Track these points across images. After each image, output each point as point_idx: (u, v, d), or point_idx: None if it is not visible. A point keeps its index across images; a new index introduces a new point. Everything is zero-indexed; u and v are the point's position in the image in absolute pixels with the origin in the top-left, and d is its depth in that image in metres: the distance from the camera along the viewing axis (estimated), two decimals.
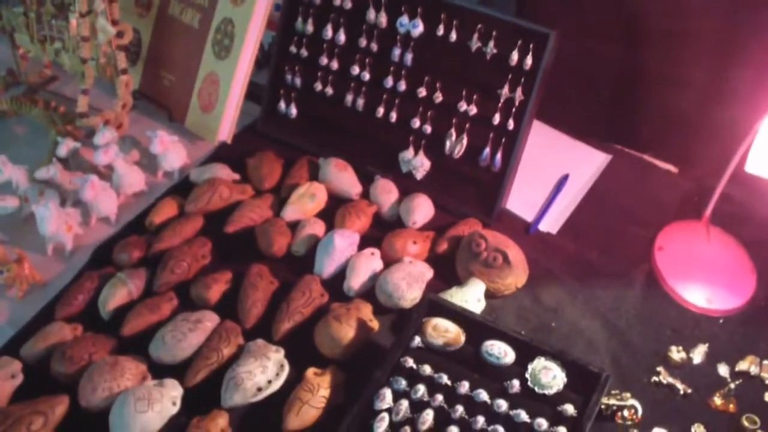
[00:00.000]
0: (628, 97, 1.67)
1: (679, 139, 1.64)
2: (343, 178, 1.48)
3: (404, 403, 1.12)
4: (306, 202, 1.43)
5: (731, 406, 1.19)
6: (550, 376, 1.13)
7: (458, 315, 1.21)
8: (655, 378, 1.23)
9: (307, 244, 1.38)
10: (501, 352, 1.16)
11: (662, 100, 1.64)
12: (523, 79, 1.41)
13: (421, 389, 1.13)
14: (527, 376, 1.14)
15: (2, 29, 1.69)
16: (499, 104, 1.43)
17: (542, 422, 1.09)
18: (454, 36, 1.45)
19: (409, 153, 1.51)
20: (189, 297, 1.31)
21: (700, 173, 1.58)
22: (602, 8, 1.58)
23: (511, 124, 1.43)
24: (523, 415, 1.10)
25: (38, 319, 1.28)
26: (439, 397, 1.13)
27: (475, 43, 1.43)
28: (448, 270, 1.37)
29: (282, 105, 1.61)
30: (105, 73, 1.60)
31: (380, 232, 1.42)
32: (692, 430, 1.16)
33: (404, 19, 1.46)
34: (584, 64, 1.61)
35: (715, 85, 1.55)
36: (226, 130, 1.59)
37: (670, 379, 1.22)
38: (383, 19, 1.49)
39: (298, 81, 1.59)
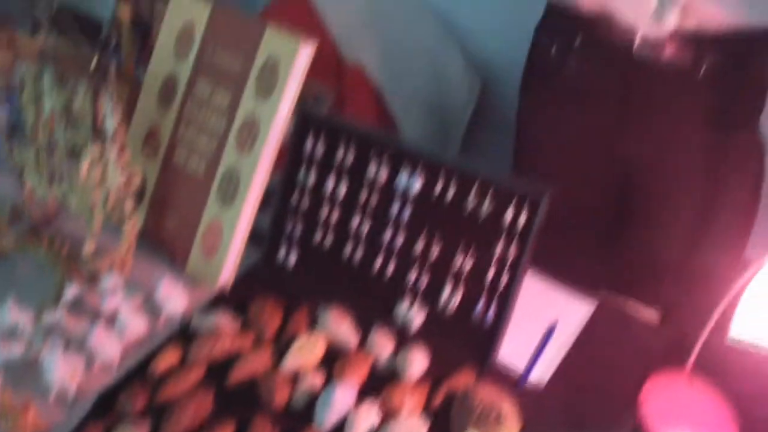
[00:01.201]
0: (614, 241, 1.76)
1: (664, 284, 1.72)
2: (342, 328, 1.53)
3: None
4: (306, 354, 1.47)
5: None
6: None
7: None
8: None
9: (307, 396, 1.42)
10: None
11: (648, 245, 1.72)
12: (517, 236, 1.49)
13: None
14: None
15: (13, 166, 1.74)
16: (494, 260, 1.51)
17: None
18: (451, 193, 1.53)
19: (404, 305, 1.57)
20: None
21: (683, 318, 1.64)
22: (595, 157, 1.69)
23: (504, 279, 1.50)
24: None
25: None
26: None
27: (471, 202, 1.51)
28: (442, 423, 1.40)
29: (282, 253, 1.67)
30: (112, 216, 1.63)
31: (377, 383, 1.45)
32: None
33: (404, 176, 1.55)
34: (572, 209, 1.70)
35: (699, 231, 1.65)
36: (227, 275, 1.63)
37: None
38: (383, 176, 1.57)
39: (298, 230, 1.66)
